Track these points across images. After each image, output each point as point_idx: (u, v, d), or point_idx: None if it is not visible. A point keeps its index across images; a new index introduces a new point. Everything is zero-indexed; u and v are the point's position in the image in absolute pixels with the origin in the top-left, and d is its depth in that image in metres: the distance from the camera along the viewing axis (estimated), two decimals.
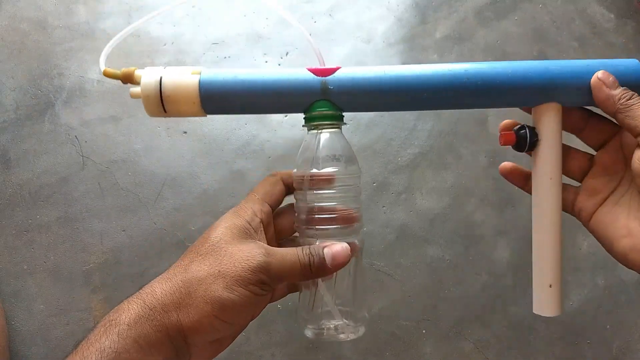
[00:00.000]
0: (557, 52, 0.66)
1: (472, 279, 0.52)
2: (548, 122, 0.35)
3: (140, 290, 0.31)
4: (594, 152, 0.38)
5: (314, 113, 0.35)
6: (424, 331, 0.50)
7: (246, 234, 0.33)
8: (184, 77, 0.35)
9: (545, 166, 0.34)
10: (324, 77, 0.35)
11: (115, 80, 0.62)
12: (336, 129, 0.36)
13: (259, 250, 0.32)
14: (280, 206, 0.37)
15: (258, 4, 0.69)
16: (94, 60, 0.65)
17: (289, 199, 0.36)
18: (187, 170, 0.58)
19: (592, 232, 0.36)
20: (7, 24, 0.66)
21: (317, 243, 0.33)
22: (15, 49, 0.65)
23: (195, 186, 0.58)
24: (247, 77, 0.35)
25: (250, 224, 0.33)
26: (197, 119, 0.61)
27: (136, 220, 0.56)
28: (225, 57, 0.65)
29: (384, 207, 0.56)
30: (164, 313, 0.31)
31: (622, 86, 0.34)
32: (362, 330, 0.34)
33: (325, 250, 0.32)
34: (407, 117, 0.61)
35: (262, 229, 0.34)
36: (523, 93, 0.34)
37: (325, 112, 0.34)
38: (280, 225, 0.37)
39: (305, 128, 0.36)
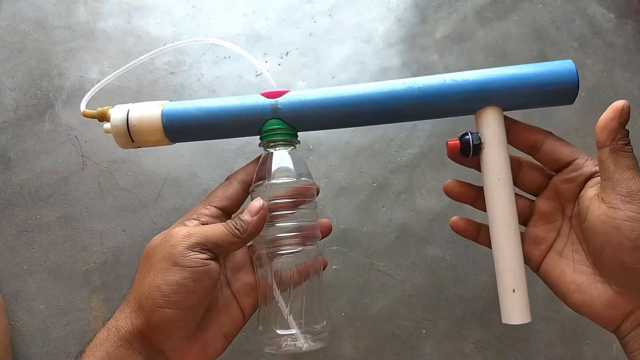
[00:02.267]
0: (557, 52, 0.66)
1: (472, 279, 0.53)
2: (489, 125, 0.36)
3: (112, 316, 0.34)
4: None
5: (265, 131, 0.37)
6: (424, 331, 0.50)
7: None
8: (148, 109, 0.39)
9: (493, 168, 0.35)
10: (274, 99, 0.37)
11: (115, 80, 0.63)
12: (289, 146, 0.38)
13: (177, 229, 0.33)
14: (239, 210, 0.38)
15: (258, 4, 0.69)
16: (94, 60, 0.65)
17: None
18: (187, 170, 0.58)
19: (544, 281, 0.36)
20: (7, 24, 0.67)
21: (272, 253, 0.36)
22: (15, 49, 0.65)
23: (196, 186, 0.58)
24: (205, 105, 0.38)
25: (187, 226, 0.34)
26: None
27: (136, 220, 0.56)
28: (225, 58, 0.65)
29: (384, 207, 0.56)
30: (119, 327, 0.32)
31: (548, 86, 0.35)
32: (320, 343, 0.35)
33: (243, 213, 0.34)
34: None
35: None
36: (461, 101, 0.36)
37: (276, 128, 0.37)
38: None
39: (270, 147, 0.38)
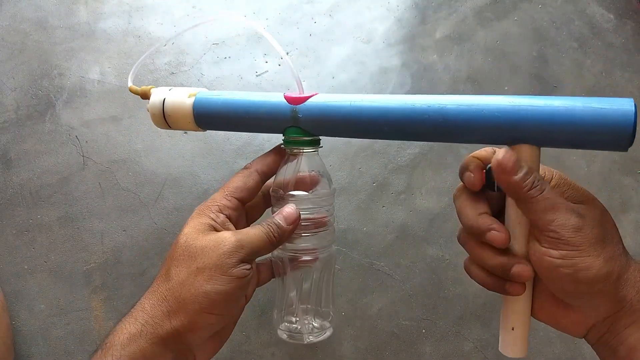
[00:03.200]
0: (556, 52, 0.66)
1: (472, 279, 0.53)
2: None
3: (132, 309, 0.32)
4: None
5: (289, 138, 0.38)
6: (423, 331, 0.50)
7: (212, 228, 0.34)
8: (182, 100, 0.40)
9: (516, 210, 0.31)
10: (294, 105, 0.37)
11: (115, 81, 0.64)
12: (312, 152, 0.38)
13: (226, 234, 0.33)
14: (254, 200, 0.38)
15: (258, 4, 0.69)
16: (95, 60, 0.65)
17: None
18: (187, 170, 0.58)
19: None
20: (7, 24, 0.67)
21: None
22: (15, 49, 0.65)
23: (196, 186, 0.58)
24: (231, 99, 0.39)
25: (215, 221, 0.35)
26: None
27: (137, 220, 0.56)
28: (225, 58, 0.65)
29: (383, 207, 0.56)
30: (157, 325, 0.32)
31: (597, 130, 0.29)
32: (327, 333, 0.37)
33: (277, 217, 0.35)
34: None
35: (229, 223, 0.35)
36: (493, 133, 0.31)
37: (298, 139, 0.37)
38: (253, 218, 0.39)
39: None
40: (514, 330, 0.34)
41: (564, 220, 0.28)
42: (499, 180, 0.29)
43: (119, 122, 0.61)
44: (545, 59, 0.66)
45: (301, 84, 0.38)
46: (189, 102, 0.40)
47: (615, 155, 0.60)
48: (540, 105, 0.30)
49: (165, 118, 0.41)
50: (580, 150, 0.59)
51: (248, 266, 0.33)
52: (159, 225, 0.56)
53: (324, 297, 0.39)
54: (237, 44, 0.67)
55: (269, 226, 0.35)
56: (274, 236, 0.34)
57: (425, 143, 0.60)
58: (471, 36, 0.68)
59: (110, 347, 0.31)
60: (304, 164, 0.38)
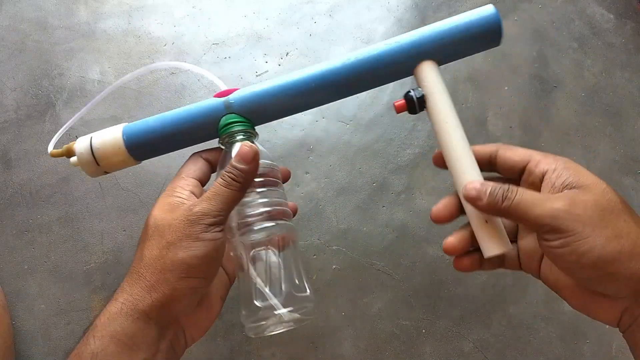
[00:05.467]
0: (556, 52, 0.66)
1: (472, 279, 0.53)
2: (427, 77, 0.38)
3: (116, 293, 0.33)
4: None
5: (222, 126, 0.38)
6: (423, 331, 0.50)
7: (179, 205, 0.35)
8: (109, 132, 0.41)
9: (439, 114, 0.37)
10: (225, 97, 0.39)
11: (115, 81, 0.63)
12: (248, 138, 0.38)
13: (189, 205, 0.34)
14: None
15: (258, 4, 0.69)
16: (95, 60, 0.65)
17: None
18: None
19: (549, 287, 0.36)
20: (7, 24, 0.67)
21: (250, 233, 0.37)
22: (15, 50, 0.65)
23: None
24: (161, 116, 0.40)
25: (180, 197, 0.36)
26: None
27: (137, 220, 0.56)
28: (225, 58, 0.66)
29: (383, 206, 0.56)
30: (136, 301, 0.32)
31: (474, 32, 0.37)
32: (304, 315, 0.35)
33: (233, 161, 0.36)
34: (406, 117, 0.61)
35: (195, 197, 0.36)
36: (397, 63, 0.39)
37: (232, 121, 0.38)
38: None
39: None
40: (488, 223, 0.34)
41: (550, 210, 0.29)
42: (479, 208, 0.32)
43: (119, 122, 0.60)
44: (545, 59, 0.66)
45: (221, 83, 0.40)
46: (117, 130, 0.41)
47: (615, 155, 0.60)
48: (428, 28, 0.39)
49: (94, 157, 0.40)
50: (580, 151, 0.59)
51: (219, 228, 0.34)
52: None
53: (295, 274, 0.38)
54: (237, 44, 0.67)
55: (227, 174, 0.35)
56: (237, 180, 0.35)
57: (426, 143, 0.60)
58: None
59: (93, 329, 0.32)
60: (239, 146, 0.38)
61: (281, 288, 0.36)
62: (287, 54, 0.66)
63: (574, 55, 0.66)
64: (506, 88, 0.64)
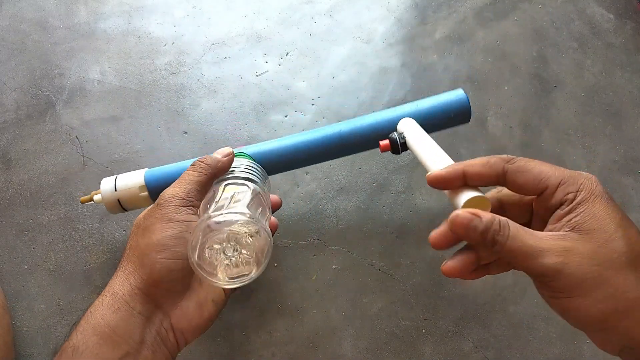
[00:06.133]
0: (556, 52, 0.66)
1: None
2: (405, 126, 0.44)
3: (104, 291, 0.34)
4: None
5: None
6: (423, 330, 0.50)
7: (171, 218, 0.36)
8: (132, 178, 0.47)
9: (419, 146, 0.40)
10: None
11: (115, 81, 0.63)
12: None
13: (164, 193, 0.37)
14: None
15: (258, 4, 0.69)
16: (95, 60, 0.65)
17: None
18: None
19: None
20: (7, 24, 0.67)
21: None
22: (15, 49, 0.65)
23: None
24: (181, 165, 0.46)
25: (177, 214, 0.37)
26: (197, 118, 0.61)
27: None
28: (225, 58, 0.66)
29: (383, 206, 0.56)
30: (116, 291, 0.33)
31: (449, 115, 0.45)
32: (264, 236, 0.34)
33: (214, 153, 0.40)
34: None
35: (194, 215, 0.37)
36: (383, 134, 0.45)
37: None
38: None
39: None
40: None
41: (540, 268, 0.26)
42: (472, 239, 0.29)
43: (119, 122, 0.61)
44: (545, 59, 0.66)
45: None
46: (139, 179, 0.46)
47: (615, 155, 0.60)
48: (409, 109, 0.46)
49: (121, 204, 0.47)
50: (580, 151, 0.59)
51: (190, 210, 0.35)
52: None
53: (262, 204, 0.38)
54: (237, 44, 0.67)
55: (198, 161, 0.38)
56: (206, 164, 0.38)
57: None
58: (471, 36, 0.68)
59: (77, 324, 0.32)
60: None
61: (245, 207, 0.35)
62: (287, 54, 0.66)
63: (574, 55, 0.66)
64: (506, 88, 0.64)
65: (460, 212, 0.28)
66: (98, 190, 0.48)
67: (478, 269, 0.33)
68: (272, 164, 0.47)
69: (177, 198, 0.35)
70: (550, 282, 0.26)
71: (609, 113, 0.63)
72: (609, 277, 0.25)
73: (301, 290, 0.52)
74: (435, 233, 0.31)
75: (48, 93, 0.62)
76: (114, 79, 0.64)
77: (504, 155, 0.31)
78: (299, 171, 0.58)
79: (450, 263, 0.32)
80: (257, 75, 0.65)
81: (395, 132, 0.43)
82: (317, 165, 0.58)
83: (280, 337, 0.50)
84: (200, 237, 0.32)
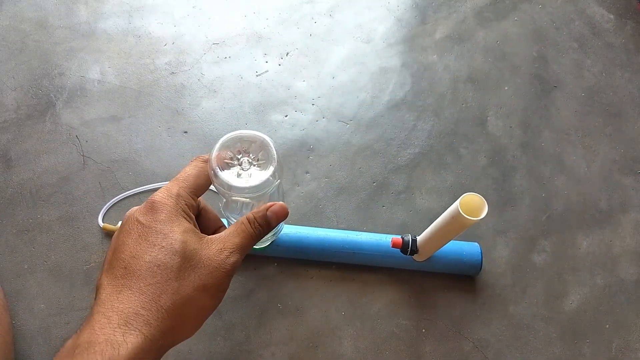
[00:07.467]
0: (556, 52, 0.67)
1: (472, 279, 0.53)
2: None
3: (128, 319, 0.30)
4: None
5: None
6: (423, 330, 0.50)
7: (198, 234, 0.35)
8: None
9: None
10: None
11: (115, 81, 0.64)
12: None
13: (227, 252, 0.35)
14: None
15: (258, 4, 0.69)
16: (95, 60, 0.65)
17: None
18: None
19: None
20: (7, 24, 0.67)
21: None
22: (16, 49, 0.65)
23: None
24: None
25: (193, 222, 0.37)
26: (197, 118, 0.61)
27: None
28: (225, 58, 0.66)
29: (383, 206, 0.56)
30: (162, 340, 0.31)
31: (464, 265, 0.50)
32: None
33: (269, 213, 0.38)
34: (407, 117, 0.61)
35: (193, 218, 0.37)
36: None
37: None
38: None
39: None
40: None
41: None
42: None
43: (119, 122, 0.61)
44: (545, 59, 0.66)
45: None
46: None
47: (615, 155, 0.60)
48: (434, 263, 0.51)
49: None
50: (580, 150, 0.59)
51: (237, 257, 0.35)
52: None
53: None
54: (237, 44, 0.67)
55: (256, 224, 0.37)
56: (261, 228, 0.38)
57: (426, 143, 0.60)
58: (471, 36, 0.68)
59: None
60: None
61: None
62: (287, 53, 0.66)
63: (574, 55, 0.66)
64: (506, 88, 0.64)
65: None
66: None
67: None
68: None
69: (236, 262, 0.35)
70: None
71: (609, 113, 0.63)
72: None
73: (301, 290, 0.52)
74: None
75: (48, 93, 0.62)
76: (114, 78, 0.64)
77: None
78: (299, 171, 0.58)
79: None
80: (257, 75, 0.65)
81: (410, 237, 0.48)
82: (317, 165, 0.58)
83: (280, 337, 0.50)
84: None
